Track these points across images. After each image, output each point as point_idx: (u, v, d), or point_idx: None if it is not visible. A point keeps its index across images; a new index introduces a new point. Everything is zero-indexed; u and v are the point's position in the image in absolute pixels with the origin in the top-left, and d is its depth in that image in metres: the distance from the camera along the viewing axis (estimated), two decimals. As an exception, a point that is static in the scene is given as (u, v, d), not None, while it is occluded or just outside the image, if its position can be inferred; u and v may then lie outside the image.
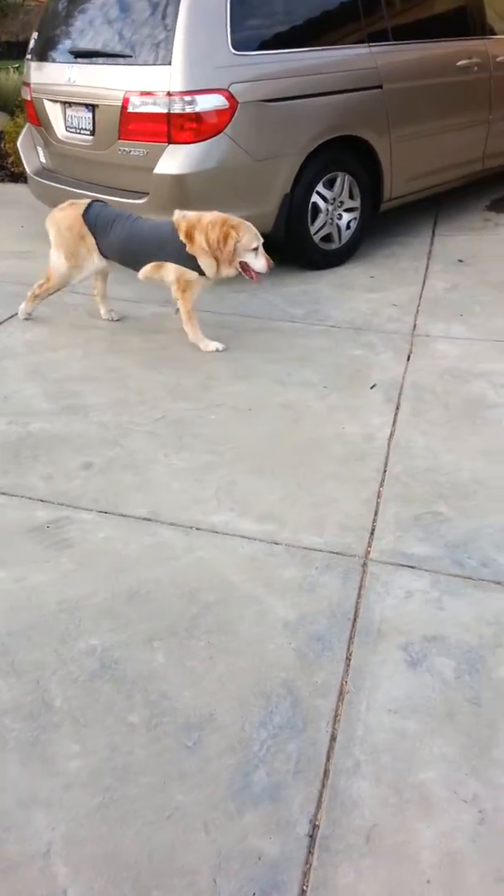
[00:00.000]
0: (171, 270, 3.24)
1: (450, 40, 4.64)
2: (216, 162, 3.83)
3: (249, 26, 3.87)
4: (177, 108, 3.72)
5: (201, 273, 3.20)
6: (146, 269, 3.29)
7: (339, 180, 4.33)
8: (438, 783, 1.55)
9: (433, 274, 4.40)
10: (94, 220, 3.30)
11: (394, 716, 1.70)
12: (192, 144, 3.78)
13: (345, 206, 4.44)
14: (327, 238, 4.46)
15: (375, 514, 2.37)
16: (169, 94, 3.71)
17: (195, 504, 2.41)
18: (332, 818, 1.49)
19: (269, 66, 3.90)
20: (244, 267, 3.21)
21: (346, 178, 4.35)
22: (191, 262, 3.17)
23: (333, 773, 1.57)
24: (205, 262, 3.16)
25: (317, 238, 4.39)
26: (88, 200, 3.38)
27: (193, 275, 3.21)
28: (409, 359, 3.39)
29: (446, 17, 4.75)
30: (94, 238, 3.31)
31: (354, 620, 1.95)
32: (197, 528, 2.30)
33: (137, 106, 3.84)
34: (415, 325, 3.75)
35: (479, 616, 1.97)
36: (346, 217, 4.48)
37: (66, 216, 3.34)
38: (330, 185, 4.31)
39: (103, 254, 3.36)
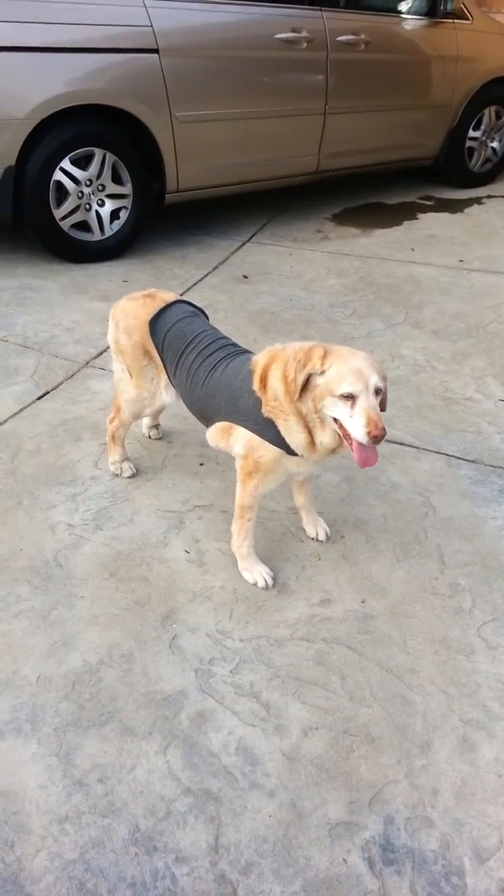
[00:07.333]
0: (238, 439, 1.83)
1: (266, 5, 3.79)
2: None
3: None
4: None
5: (290, 451, 1.76)
6: (212, 433, 1.92)
7: (95, 159, 3.58)
8: None
9: (200, 289, 3.64)
10: (164, 333, 1.96)
11: None
12: None
13: (107, 192, 3.69)
14: (83, 226, 3.74)
15: None
16: None
17: None
18: None
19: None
20: (342, 428, 1.65)
21: (107, 157, 3.60)
22: (269, 430, 1.76)
23: None
24: (288, 429, 1.71)
25: (65, 224, 3.66)
26: (171, 297, 2.03)
27: (272, 453, 1.77)
28: (44, 396, 2.69)
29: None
30: (162, 359, 1.99)
31: None
32: None
33: None
34: (101, 353, 3.03)
35: None
36: (109, 204, 3.73)
37: (129, 312, 2.01)
38: (84, 163, 3.57)
39: (175, 384, 2.02)
